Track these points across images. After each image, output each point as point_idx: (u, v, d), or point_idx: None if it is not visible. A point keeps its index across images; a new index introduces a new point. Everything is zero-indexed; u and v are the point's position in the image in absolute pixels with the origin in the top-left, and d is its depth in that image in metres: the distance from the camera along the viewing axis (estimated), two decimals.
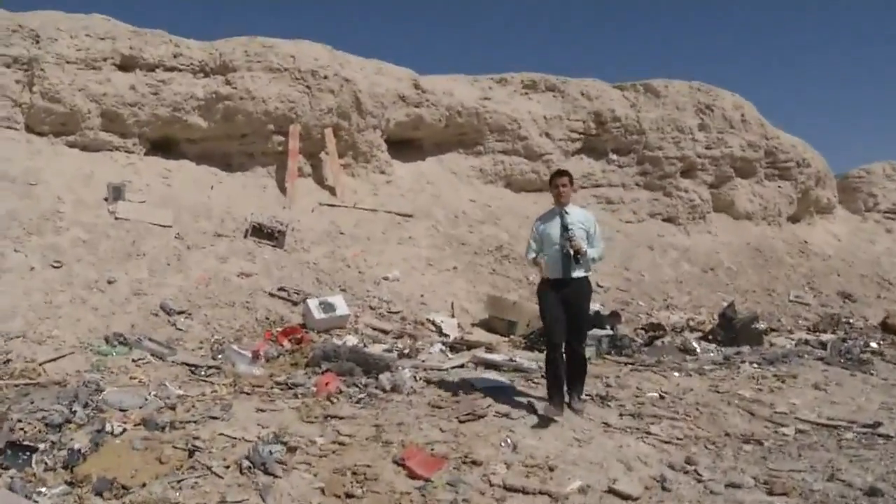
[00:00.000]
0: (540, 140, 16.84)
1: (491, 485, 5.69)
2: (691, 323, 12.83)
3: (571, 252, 6.62)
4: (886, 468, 5.98)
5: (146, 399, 7.84)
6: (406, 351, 10.05)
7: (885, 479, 5.69)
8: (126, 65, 13.84)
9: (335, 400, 8.01)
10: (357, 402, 7.94)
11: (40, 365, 8.29)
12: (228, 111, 14.25)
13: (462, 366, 9.62)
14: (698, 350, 10.67)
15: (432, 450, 6.47)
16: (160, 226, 12.31)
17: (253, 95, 14.26)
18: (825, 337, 12.68)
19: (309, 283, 12.20)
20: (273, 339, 10.15)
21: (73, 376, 8.23)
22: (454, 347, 10.58)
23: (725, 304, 13.11)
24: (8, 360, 8.15)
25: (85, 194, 12.36)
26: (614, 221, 16.51)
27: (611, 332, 10.80)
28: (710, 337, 11.56)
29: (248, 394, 8.24)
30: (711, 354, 10.60)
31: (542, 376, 9.02)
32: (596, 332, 10.76)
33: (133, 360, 8.88)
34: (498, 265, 13.97)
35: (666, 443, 6.61)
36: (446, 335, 11.21)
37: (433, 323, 11.61)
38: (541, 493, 5.56)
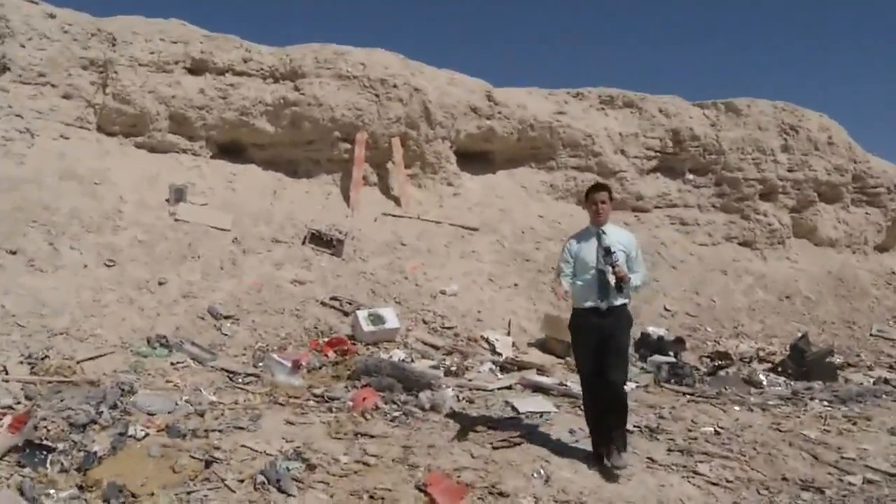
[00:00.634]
0: (614, 157, 16.24)
1: None
2: (761, 353, 12.02)
3: (613, 279, 5.83)
4: None
5: (176, 404, 7.67)
6: (453, 368, 9.65)
7: None
8: (197, 68, 13.93)
9: (369, 416, 7.69)
10: (392, 421, 7.61)
11: (78, 363, 8.21)
12: (296, 117, 14.17)
13: (510, 387, 9.18)
14: (765, 383, 9.93)
15: (459, 477, 6.08)
16: (219, 229, 12.26)
17: (320, 102, 14.14)
18: None
19: (364, 294, 11.92)
20: (318, 349, 9.89)
21: (108, 376, 8.13)
22: (505, 367, 10.14)
23: (800, 334, 12.26)
24: (45, 357, 8.08)
25: (148, 195, 12.41)
26: (688, 243, 15.75)
27: (672, 360, 10.15)
28: (780, 370, 10.78)
29: (282, 405, 7.99)
30: (779, 388, 9.84)
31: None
32: (656, 358, 10.18)
33: (172, 364, 8.76)
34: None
35: (714, 484, 6.05)
36: (499, 354, 10.75)
37: (487, 340, 11.17)
38: None
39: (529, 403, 8.22)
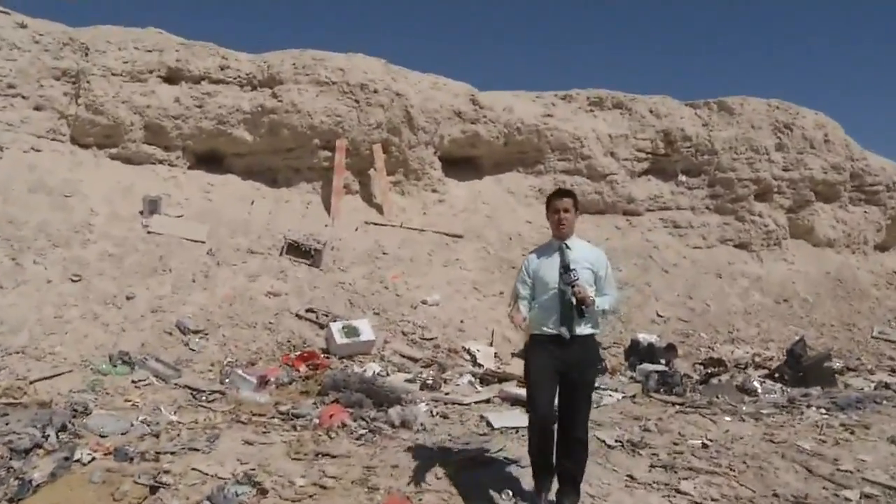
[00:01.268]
0: (604, 160, 15.87)
1: None
2: (757, 359, 11.61)
3: (574, 301, 4.91)
4: None
5: (132, 425, 7.34)
6: (429, 382, 9.29)
7: None
8: (172, 77, 13.63)
9: (334, 435, 7.35)
10: (357, 439, 7.27)
11: (31, 383, 7.88)
12: (274, 125, 13.85)
13: (488, 401, 8.83)
14: (759, 390, 9.50)
15: (420, 500, 5.72)
16: (193, 241, 11.94)
17: (298, 109, 13.82)
18: None
19: (341, 305, 11.59)
20: (289, 363, 9.55)
21: (63, 396, 7.82)
22: (485, 380, 9.78)
23: (797, 338, 11.86)
24: None
25: (121, 207, 12.10)
26: (681, 247, 15.36)
27: (662, 368, 9.77)
28: (776, 376, 10.36)
29: (244, 423, 7.66)
30: (774, 396, 9.43)
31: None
32: (645, 366, 9.81)
33: (133, 382, 8.44)
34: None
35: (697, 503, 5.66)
36: (480, 365, 10.38)
37: (468, 352, 10.81)
38: None
39: (506, 418, 7.87)
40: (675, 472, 6.33)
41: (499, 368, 10.34)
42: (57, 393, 7.87)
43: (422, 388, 9.13)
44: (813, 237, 17.67)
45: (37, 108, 12.76)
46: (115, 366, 8.62)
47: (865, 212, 18.37)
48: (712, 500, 5.81)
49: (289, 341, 10.30)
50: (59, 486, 5.88)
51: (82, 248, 10.84)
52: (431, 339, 11.15)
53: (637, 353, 10.47)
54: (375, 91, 14.38)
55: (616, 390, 9.20)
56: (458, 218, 14.89)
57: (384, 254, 13.31)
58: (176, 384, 8.55)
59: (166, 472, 6.21)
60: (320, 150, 14.24)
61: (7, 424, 6.79)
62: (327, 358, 9.89)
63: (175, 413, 7.77)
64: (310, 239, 12.74)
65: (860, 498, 5.94)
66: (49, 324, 9.19)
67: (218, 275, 11.40)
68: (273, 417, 7.87)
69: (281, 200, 14.12)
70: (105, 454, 6.52)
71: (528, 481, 5.78)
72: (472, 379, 9.67)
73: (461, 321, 11.96)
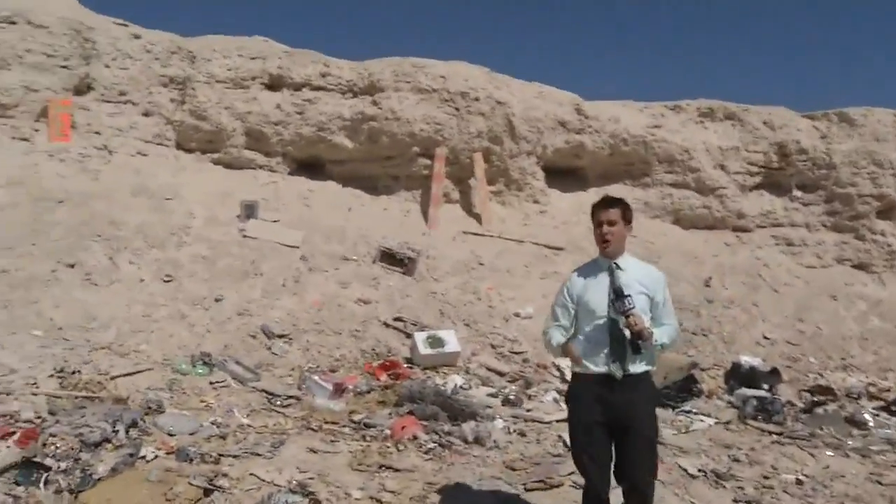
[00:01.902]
0: (713, 172, 15.02)
1: None
2: (872, 389, 10.52)
3: (628, 334, 4.10)
4: None
5: (201, 425, 7.24)
6: (511, 397, 8.84)
7: None
8: (274, 84, 13.80)
9: (402, 447, 7.02)
10: (426, 453, 6.91)
11: (112, 379, 7.92)
12: (373, 132, 13.79)
13: None
14: (871, 424, 8.55)
15: None
16: (287, 246, 11.93)
17: (398, 116, 13.71)
18: None
19: (431, 315, 11.30)
20: (370, 372, 9.31)
21: (141, 393, 7.79)
22: None
23: None
24: (76, 371, 7.82)
25: (219, 211, 12.24)
26: (793, 265, 14.29)
27: (763, 393, 8.97)
28: (894, 409, 9.34)
29: (314, 430, 7.45)
30: (888, 431, 8.45)
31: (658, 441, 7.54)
32: (744, 391, 9.04)
33: (211, 383, 8.38)
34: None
35: None
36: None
37: (557, 367, 10.29)
38: None
39: None
40: None
41: None
42: (135, 390, 7.87)
43: (503, 404, 8.71)
44: None
45: (145, 114, 13.18)
46: (194, 366, 8.59)
47: None
48: None
49: (373, 349, 10.08)
50: (117, 481, 5.81)
51: (177, 250, 10.98)
52: (520, 353, 10.70)
53: (737, 376, 9.66)
54: (476, 99, 14.11)
55: (709, 415, 8.50)
56: (560, 230, 14.40)
57: (480, 264, 12.96)
58: (253, 387, 8.44)
59: (224, 475, 6.05)
60: (419, 158, 14.09)
61: (82, 417, 6.82)
62: (410, 368, 9.60)
63: (247, 416, 7.65)
64: (404, 247, 12.53)
65: None
66: (137, 322, 9.28)
67: (309, 280, 11.33)
68: (344, 426, 7.63)
69: (379, 208, 14.03)
70: (168, 453, 6.43)
71: None
72: (557, 396, 9.14)
73: None
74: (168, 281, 10.28)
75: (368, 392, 8.67)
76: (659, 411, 8.71)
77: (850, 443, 7.76)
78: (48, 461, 5.97)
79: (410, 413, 7.80)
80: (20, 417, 6.96)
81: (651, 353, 4.25)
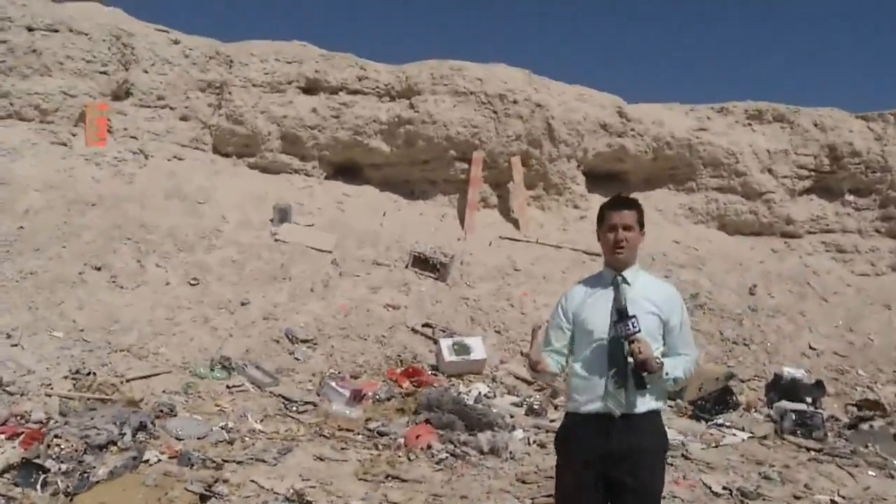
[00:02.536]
0: (760, 177, 14.41)
1: None
2: None
3: (631, 362, 3.32)
4: None
5: (211, 430, 7.12)
6: (536, 407, 8.54)
7: None
8: (310, 88, 13.72)
9: (413, 457, 6.80)
10: (437, 463, 6.67)
11: (127, 381, 7.87)
12: (410, 136, 13.60)
13: None
14: None
15: None
16: (318, 250, 11.82)
17: (434, 119, 13.49)
18: None
19: (462, 322, 11.06)
20: (393, 378, 9.10)
21: (155, 397, 7.73)
22: None
23: None
24: (91, 373, 7.78)
25: (253, 215, 12.20)
26: (844, 273, 13.59)
27: (804, 407, 8.46)
28: None
29: (326, 437, 7.30)
30: None
31: (684, 455, 7.14)
32: (783, 404, 8.56)
33: (228, 387, 8.29)
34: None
35: None
36: None
37: None
38: None
39: None
40: None
41: None
42: (150, 393, 7.82)
43: (527, 413, 8.45)
44: None
45: (182, 119, 13.22)
46: (212, 370, 8.51)
47: None
48: None
49: (399, 356, 9.87)
50: (114, 485, 5.74)
51: (206, 254, 10.95)
52: None
53: (778, 388, 9.15)
54: (515, 102, 13.82)
55: (743, 429, 8.04)
56: None
57: (515, 270, 12.67)
58: (270, 392, 8.32)
59: (224, 481, 5.92)
60: (457, 162, 13.85)
61: (91, 419, 6.78)
62: (434, 375, 9.37)
63: (260, 422, 7.52)
64: (437, 252, 12.31)
65: None
66: (159, 325, 9.25)
67: (339, 285, 11.19)
68: (358, 434, 7.45)
69: (415, 212, 13.83)
70: (171, 457, 6.33)
71: None
72: None
73: None
74: (194, 284, 10.23)
75: (388, 399, 8.47)
76: (689, 424, 8.38)
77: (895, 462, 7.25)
78: (49, 463, 5.94)
79: (427, 421, 7.58)
80: (31, 418, 6.96)
81: (660, 387, 3.44)
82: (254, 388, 8.39)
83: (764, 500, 5.89)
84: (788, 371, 9.54)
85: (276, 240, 11.80)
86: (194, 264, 10.63)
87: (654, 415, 3.45)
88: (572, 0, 72.44)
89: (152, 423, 6.99)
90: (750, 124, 14.90)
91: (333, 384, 8.23)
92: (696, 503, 5.76)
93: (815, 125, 14.53)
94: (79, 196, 11.11)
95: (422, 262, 12.17)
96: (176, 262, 10.53)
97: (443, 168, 13.95)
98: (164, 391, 7.90)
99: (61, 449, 6.23)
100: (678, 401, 9.14)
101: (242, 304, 10.12)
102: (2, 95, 12.05)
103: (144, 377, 8.06)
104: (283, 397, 8.20)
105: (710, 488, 6.02)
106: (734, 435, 7.83)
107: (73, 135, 12.18)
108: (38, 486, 5.64)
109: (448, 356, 9.43)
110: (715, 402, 8.90)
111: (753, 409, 9.06)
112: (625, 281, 3.51)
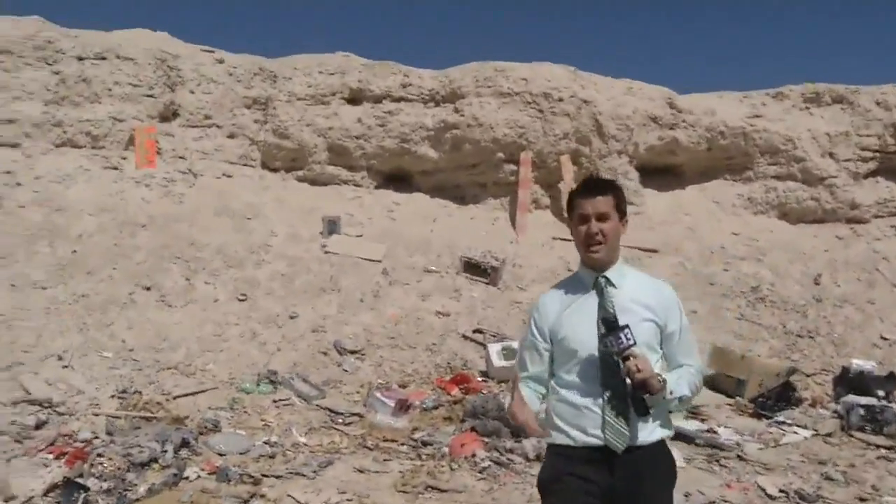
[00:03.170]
0: (821, 161, 13.81)
1: None
2: None
3: (630, 385, 2.74)
4: None
5: (254, 445, 7.06)
6: None
7: None
8: (354, 98, 13.71)
9: (456, 466, 6.61)
10: (481, 472, 6.47)
11: (174, 399, 7.89)
12: (456, 140, 13.47)
13: None
14: None
15: None
16: (368, 260, 11.75)
17: (480, 122, 13.33)
18: None
19: (514, 326, 10.83)
20: (441, 386, 8.94)
21: (200, 413, 7.72)
22: None
23: None
24: (137, 392, 7.83)
25: (302, 228, 12.22)
26: None
27: (874, 402, 7.97)
28: None
29: (370, 448, 7.15)
30: None
31: (739, 456, 6.77)
32: (850, 398, 8.09)
33: (274, 401, 8.23)
34: (749, 309, 11.42)
35: None
36: None
37: None
38: None
39: None
40: None
41: None
42: (196, 409, 7.81)
43: None
44: None
45: (230, 136, 13.34)
46: (258, 385, 8.47)
47: None
48: None
49: (449, 363, 9.71)
50: (152, 501, 5.73)
51: (255, 269, 10.98)
52: None
53: (846, 382, 8.66)
54: (560, 100, 13.56)
55: (806, 426, 7.61)
56: (655, 231, 13.60)
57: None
58: (317, 405, 8.24)
59: (262, 496, 5.84)
60: (505, 164, 13.67)
61: (136, 437, 6.81)
62: (484, 381, 9.17)
63: (304, 435, 7.43)
64: (487, 256, 12.13)
65: None
66: (208, 342, 9.28)
67: (389, 294, 11.09)
68: (402, 444, 7.29)
69: (466, 217, 13.68)
70: (210, 473, 6.28)
71: None
72: None
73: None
74: (243, 300, 10.26)
75: (436, 408, 8.31)
76: (749, 422, 7.98)
77: None
78: (91, 481, 5.95)
79: (472, 429, 7.39)
80: (77, 437, 7.02)
81: (664, 410, 2.86)
82: (300, 401, 8.33)
83: (824, 502, 5.51)
84: (857, 363, 9.03)
85: (325, 252, 11.79)
86: (243, 280, 10.67)
87: (662, 445, 2.87)
88: None
89: (195, 439, 6.97)
90: (807, 108, 14.33)
91: (379, 394, 8.10)
92: None
93: (878, 104, 13.88)
94: (129, 218, 11.28)
95: (473, 267, 12.01)
96: (225, 279, 10.59)
97: (491, 171, 13.78)
98: (209, 407, 7.88)
99: (104, 467, 6.25)
100: (737, 398, 8.75)
101: (291, 318, 10.11)
102: (55, 125, 12.32)
103: (191, 394, 8.08)
104: (329, 410, 8.11)
105: (764, 491, 5.66)
106: (795, 433, 7.42)
107: (124, 158, 12.39)
108: None
109: (497, 361, 9.21)
110: (777, 398, 8.48)
111: (819, 405, 8.61)
112: (609, 283, 2.95)
